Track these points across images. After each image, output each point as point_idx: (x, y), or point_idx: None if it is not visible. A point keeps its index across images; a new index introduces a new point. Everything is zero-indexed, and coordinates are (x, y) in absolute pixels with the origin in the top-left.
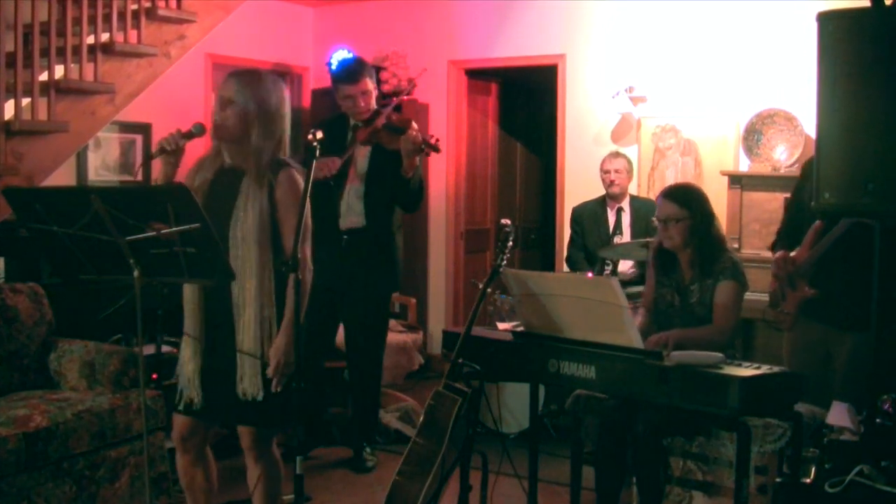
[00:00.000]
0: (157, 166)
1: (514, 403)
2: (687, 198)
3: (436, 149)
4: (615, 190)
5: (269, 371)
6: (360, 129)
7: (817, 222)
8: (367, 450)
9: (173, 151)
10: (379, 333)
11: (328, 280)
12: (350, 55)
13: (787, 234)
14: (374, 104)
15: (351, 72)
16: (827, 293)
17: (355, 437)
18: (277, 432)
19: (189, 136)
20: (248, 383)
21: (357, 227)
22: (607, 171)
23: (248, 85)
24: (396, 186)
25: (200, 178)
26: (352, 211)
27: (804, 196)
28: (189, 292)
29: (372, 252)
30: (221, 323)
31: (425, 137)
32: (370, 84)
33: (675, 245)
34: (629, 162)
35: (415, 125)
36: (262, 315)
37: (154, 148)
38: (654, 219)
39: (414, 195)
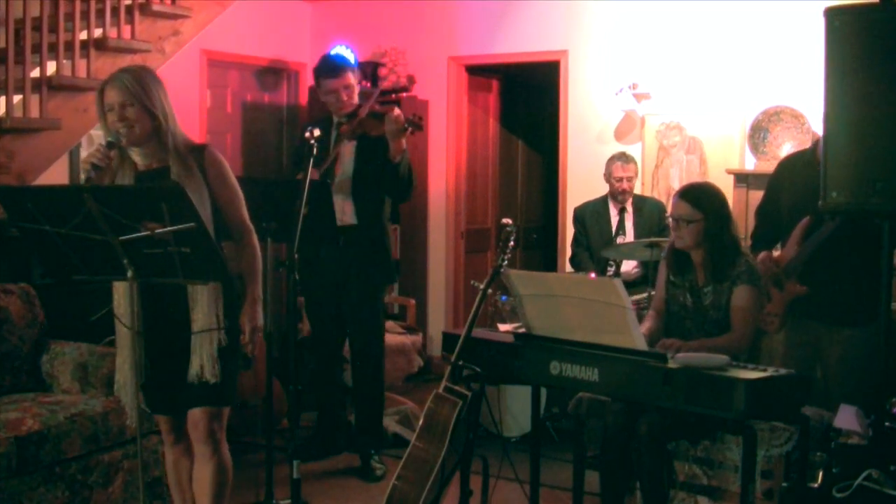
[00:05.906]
0: None
1: (515, 406)
2: (701, 199)
3: (418, 126)
4: (626, 196)
5: (243, 338)
6: (344, 125)
7: (805, 219)
8: (376, 458)
9: (106, 167)
10: (374, 331)
11: (328, 279)
12: (349, 52)
13: (764, 235)
14: (356, 99)
15: (332, 66)
16: (818, 290)
17: (361, 445)
18: (226, 421)
19: (111, 146)
20: (204, 368)
21: (348, 225)
22: (620, 179)
23: (129, 82)
24: (386, 175)
25: None
26: (341, 210)
27: (780, 195)
28: (123, 299)
29: (365, 248)
30: (166, 314)
31: (408, 116)
32: (352, 78)
33: (686, 246)
34: (636, 163)
35: (397, 108)
36: (214, 292)
37: (83, 167)
38: (667, 216)
39: (404, 182)
